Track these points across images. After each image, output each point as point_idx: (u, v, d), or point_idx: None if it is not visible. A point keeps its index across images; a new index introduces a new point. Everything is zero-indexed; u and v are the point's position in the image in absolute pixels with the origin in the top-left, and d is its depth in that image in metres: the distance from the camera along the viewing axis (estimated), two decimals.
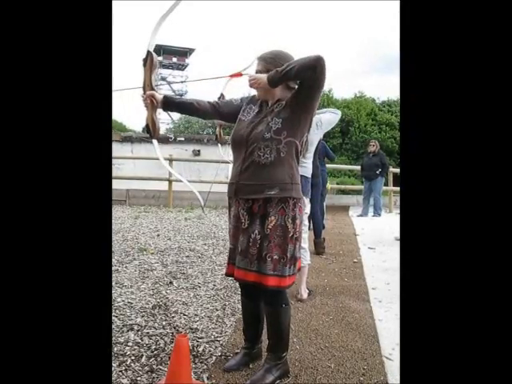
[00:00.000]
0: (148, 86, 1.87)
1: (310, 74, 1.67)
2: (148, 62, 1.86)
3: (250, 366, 1.97)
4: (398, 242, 4.93)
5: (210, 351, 2.10)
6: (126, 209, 7.69)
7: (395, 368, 1.99)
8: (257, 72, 1.83)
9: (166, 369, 1.87)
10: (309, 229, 3.76)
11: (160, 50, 36.14)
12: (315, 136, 2.90)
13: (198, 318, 2.52)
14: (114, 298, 2.79)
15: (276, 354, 1.87)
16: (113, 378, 1.80)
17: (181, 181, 2.17)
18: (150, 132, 1.90)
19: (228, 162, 2.53)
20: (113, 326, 2.31)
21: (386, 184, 9.03)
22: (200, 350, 2.11)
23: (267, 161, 1.73)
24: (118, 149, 8.54)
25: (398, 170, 8.21)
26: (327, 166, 6.18)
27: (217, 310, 2.67)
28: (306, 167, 2.83)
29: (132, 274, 3.39)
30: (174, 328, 2.35)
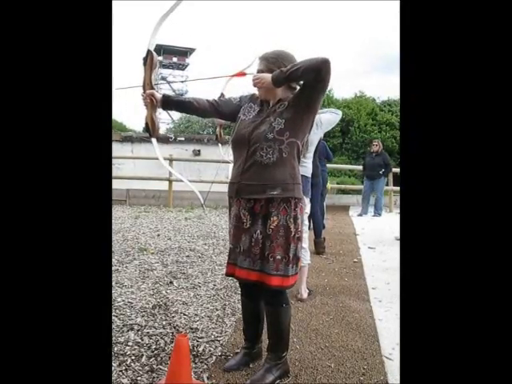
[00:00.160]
0: (148, 84, 1.87)
1: (316, 75, 1.67)
2: (148, 60, 1.86)
3: (250, 365, 1.97)
4: (398, 242, 4.93)
5: (210, 351, 2.11)
6: (126, 209, 7.68)
7: (395, 368, 1.99)
8: (258, 71, 1.83)
9: (166, 368, 1.87)
10: (309, 228, 3.76)
11: (160, 49, 36.16)
12: (315, 136, 2.90)
13: (198, 318, 2.52)
14: (114, 297, 2.79)
15: (276, 354, 1.87)
16: (113, 378, 1.80)
17: (181, 180, 2.17)
18: (150, 131, 1.91)
19: (228, 162, 2.53)
20: (113, 326, 2.31)
21: (387, 184, 9.03)
22: (200, 349, 2.11)
23: (269, 161, 1.73)
24: (118, 149, 8.54)
25: (397, 170, 8.20)
26: (327, 165, 6.18)
27: (217, 309, 2.67)
28: (306, 167, 2.83)
29: (132, 274, 3.39)
30: (174, 328, 2.36)
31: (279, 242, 1.74)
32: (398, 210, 8.02)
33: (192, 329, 2.36)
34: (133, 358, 1.99)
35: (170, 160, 7.85)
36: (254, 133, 1.77)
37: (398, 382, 1.86)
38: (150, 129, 1.89)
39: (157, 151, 1.95)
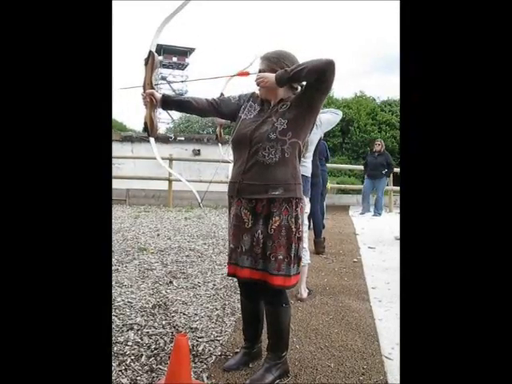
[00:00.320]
0: (148, 84, 1.88)
1: (320, 76, 1.68)
2: (149, 61, 1.87)
3: (250, 365, 1.97)
4: (398, 242, 4.93)
5: (209, 351, 2.11)
6: (125, 208, 7.69)
7: (395, 367, 1.99)
8: (260, 71, 1.83)
9: (165, 368, 1.87)
10: (309, 228, 3.77)
11: (160, 49, 36.13)
12: (315, 136, 2.90)
13: (197, 318, 2.52)
14: (113, 297, 2.79)
15: (276, 354, 1.87)
16: (112, 378, 1.80)
17: (180, 180, 2.17)
18: (148, 130, 1.91)
19: (228, 162, 2.53)
20: (112, 326, 2.31)
21: (387, 184, 9.03)
22: (200, 349, 2.11)
23: (272, 161, 1.73)
24: (118, 148, 8.54)
25: (397, 170, 8.20)
26: (327, 165, 6.18)
27: (216, 309, 2.67)
28: (306, 166, 2.84)
29: (132, 274, 3.39)
30: (174, 327, 2.36)
31: (281, 242, 1.74)
32: (398, 210, 8.02)
33: (192, 328, 2.36)
34: (132, 357, 1.99)
35: (170, 160, 7.85)
36: (256, 132, 1.77)
37: (398, 381, 1.86)
38: (149, 128, 1.90)
39: (154, 151, 1.96)
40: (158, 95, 1.88)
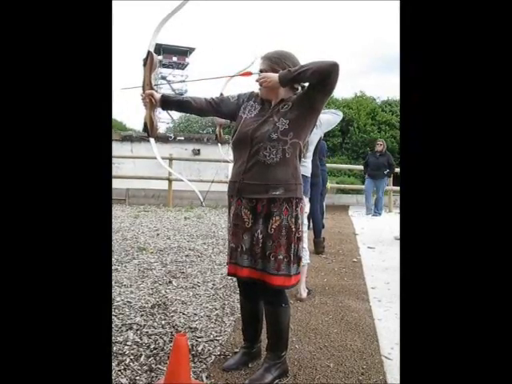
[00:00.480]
0: (147, 85, 1.88)
1: (325, 78, 1.68)
2: (148, 61, 1.87)
3: (249, 365, 1.97)
4: (398, 242, 4.93)
5: (209, 350, 2.11)
6: (125, 208, 7.69)
7: (394, 367, 1.99)
8: (261, 71, 1.84)
9: (165, 368, 1.87)
10: (308, 228, 3.76)
11: (160, 49, 36.16)
12: (315, 136, 2.90)
13: (197, 318, 2.52)
14: (113, 297, 2.79)
15: (275, 354, 1.87)
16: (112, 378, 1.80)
17: (180, 180, 2.17)
18: (148, 130, 1.92)
19: (228, 162, 2.53)
20: (112, 326, 2.31)
21: (387, 183, 9.04)
22: (199, 349, 2.11)
23: (273, 161, 1.73)
24: (117, 148, 8.53)
25: (397, 170, 8.21)
26: (327, 165, 6.19)
27: (216, 309, 2.67)
28: (306, 166, 2.84)
29: (131, 274, 3.39)
30: (173, 327, 2.36)
31: (281, 242, 1.74)
32: (398, 210, 8.03)
33: (191, 328, 2.36)
34: (132, 357, 1.99)
35: (170, 159, 7.85)
36: (257, 132, 1.77)
37: (397, 381, 1.86)
38: (149, 128, 1.91)
39: (155, 150, 1.96)
40: (158, 95, 1.89)
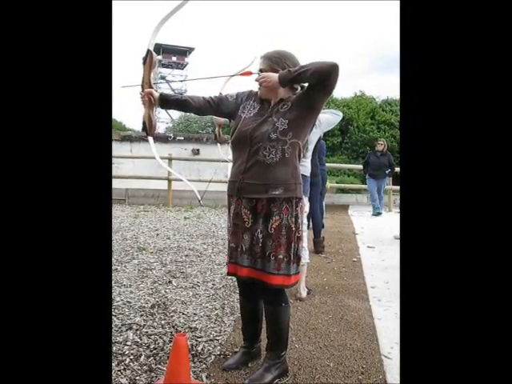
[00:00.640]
0: (146, 84, 1.88)
1: (325, 79, 1.68)
2: (147, 60, 1.87)
3: (249, 365, 1.97)
4: (397, 241, 4.93)
5: (208, 350, 2.11)
6: (125, 208, 7.69)
7: (394, 367, 1.99)
8: (260, 71, 1.83)
9: (164, 368, 1.87)
10: (308, 228, 3.76)
11: (159, 48, 36.12)
12: (314, 135, 2.89)
13: (196, 317, 2.52)
14: (112, 297, 2.79)
15: (275, 353, 1.87)
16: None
17: (180, 179, 2.17)
18: (146, 129, 1.92)
19: (227, 161, 2.53)
20: (111, 326, 2.31)
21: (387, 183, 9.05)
22: (199, 349, 2.11)
23: (272, 161, 1.74)
24: (117, 148, 8.52)
25: (397, 169, 8.22)
26: (327, 164, 6.19)
27: (216, 309, 2.67)
28: (305, 166, 2.84)
29: (131, 274, 3.39)
30: (173, 327, 2.36)
31: (281, 242, 1.75)
32: (398, 210, 8.03)
33: (191, 328, 2.36)
34: (131, 357, 1.99)
35: (170, 159, 7.85)
36: (257, 132, 1.77)
37: (397, 380, 1.86)
38: (147, 127, 1.91)
39: (153, 150, 1.96)
40: (156, 94, 1.89)
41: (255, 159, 1.76)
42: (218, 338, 2.25)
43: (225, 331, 2.34)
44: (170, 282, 3.20)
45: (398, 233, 5.01)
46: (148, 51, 1.86)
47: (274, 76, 1.74)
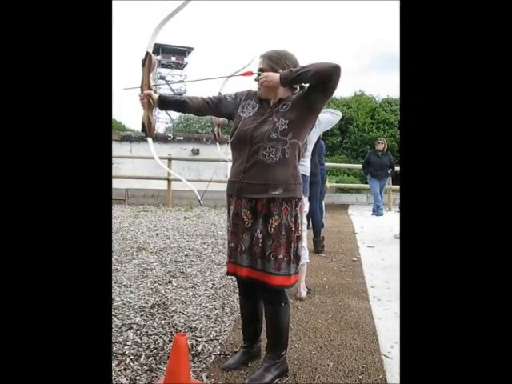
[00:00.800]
0: (146, 85, 1.88)
1: (326, 80, 1.68)
2: (147, 62, 1.87)
3: (249, 364, 1.97)
4: (397, 240, 4.93)
5: (208, 350, 2.11)
6: (125, 208, 7.68)
7: (394, 366, 1.99)
8: (260, 70, 1.83)
9: (164, 368, 1.87)
10: (308, 227, 3.76)
11: (159, 49, 36.15)
12: (313, 135, 2.89)
13: (196, 317, 2.52)
14: (112, 297, 2.79)
15: (275, 353, 1.87)
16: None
17: (179, 179, 2.17)
18: (146, 131, 1.92)
19: (227, 161, 2.53)
20: (111, 326, 2.31)
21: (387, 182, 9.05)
22: (199, 349, 2.12)
23: (272, 161, 1.74)
24: (116, 148, 8.51)
25: (397, 169, 8.23)
26: (326, 164, 6.19)
27: (216, 308, 2.67)
28: (305, 166, 2.84)
29: (131, 273, 3.39)
30: (173, 327, 2.36)
31: (281, 242, 1.75)
32: (397, 209, 8.03)
33: (191, 328, 2.36)
34: (131, 357, 1.99)
35: (169, 159, 7.85)
36: (257, 131, 1.77)
37: (397, 380, 1.87)
38: (147, 129, 1.92)
39: (152, 150, 1.97)
40: (155, 96, 1.89)
41: (255, 159, 1.76)
42: (217, 337, 2.25)
43: (225, 331, 2.34)
44: (169, 281, 3.20)
45: (397, 232, 5.01)
46: (147, 53, 1.86)
47: (276, 76, 1.74)
